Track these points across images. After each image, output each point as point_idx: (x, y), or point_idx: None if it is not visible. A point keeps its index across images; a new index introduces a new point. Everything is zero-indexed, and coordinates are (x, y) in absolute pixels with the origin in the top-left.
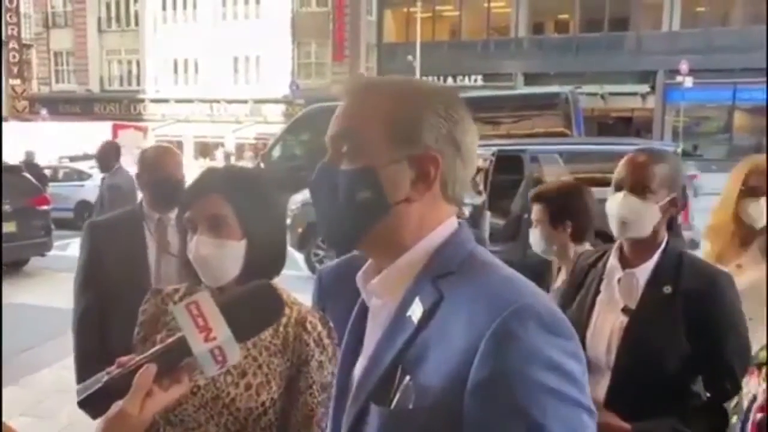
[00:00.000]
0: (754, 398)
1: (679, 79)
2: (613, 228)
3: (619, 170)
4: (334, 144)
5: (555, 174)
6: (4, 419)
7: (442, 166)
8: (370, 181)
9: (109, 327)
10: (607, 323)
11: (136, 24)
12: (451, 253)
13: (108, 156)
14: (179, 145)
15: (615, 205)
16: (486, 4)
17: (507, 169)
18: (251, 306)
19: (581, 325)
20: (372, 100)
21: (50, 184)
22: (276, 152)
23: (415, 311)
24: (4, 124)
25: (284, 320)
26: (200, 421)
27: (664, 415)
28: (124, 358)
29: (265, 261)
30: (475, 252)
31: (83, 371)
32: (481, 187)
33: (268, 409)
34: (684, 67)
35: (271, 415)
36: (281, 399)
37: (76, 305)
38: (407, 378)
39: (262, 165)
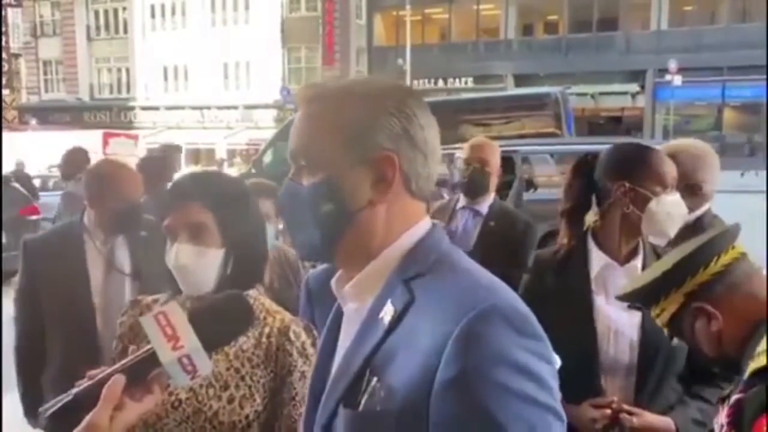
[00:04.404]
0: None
1: (668, 77)
2: (669, 231)
3: (671, 168)
4: (293, 159)
5: (546, 174)
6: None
7: (401, 165)
8: (330, 192)
9: (53, 347)
10: (623, 321)
11: (125, 31)
12: (423, 253)
13: (70, 163)
14: None
15: (679, 204)
16: (475, 7)
17: None
18: (219, 315)
19: (589, 327)
20: (321, 110)
21: (40, 193)
22: (267, 158)
23: (387, 313)
24: None
25: (267, 330)
26: None
27: (683, 405)
28: (94, 371)
29: (244, 270)
30: (449, 252)
31: (27, 399)
32: None
33: (252, 422)
34: (673, 65)
35: (255, 429)
36: (266, 411)
37: (16, 328)
38: (375, 380)
39: (253, 170)
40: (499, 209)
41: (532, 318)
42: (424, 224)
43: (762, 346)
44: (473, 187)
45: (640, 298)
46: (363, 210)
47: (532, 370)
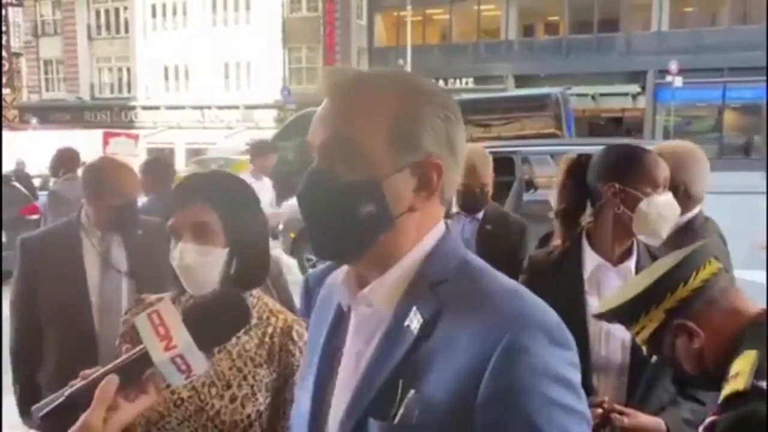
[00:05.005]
0: None
1: (668, 78)
2: (660, 231)
3: (663, 169)
4: (325, 151)
5: (546, 175)
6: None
7: (443, 172)
8: (372, 194)
9: (49, 346)
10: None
11: (126, 31)
12: (444, 259)
13: (58, 161)
14: (171, 152)
15: (671, 204)
16: (476, 7)
17: (498, 171)
18: (215, 313)
19: (581, 328)
20: (368, 99)
21: (40, 193)
22: None
23: (414, 321)
24: None
25: (270, 330)
26: None
27: (675, 406)
28: (87, 371)
29: (247, 270)
30: (468, 257)
31: (23, 399)
32: None
33: (254, 421)
34: (673, 66)
35: (257, 428)
36: (268, 411)
37: (11, 326)
38: (412, 391)
39: None
40: (494, 212)
41: (564, 327)
42: (440, 227)
43: (735, 368)
44: (476, 206)
45: (620, 316)
46: (403, 215)
47: (570, 380)
